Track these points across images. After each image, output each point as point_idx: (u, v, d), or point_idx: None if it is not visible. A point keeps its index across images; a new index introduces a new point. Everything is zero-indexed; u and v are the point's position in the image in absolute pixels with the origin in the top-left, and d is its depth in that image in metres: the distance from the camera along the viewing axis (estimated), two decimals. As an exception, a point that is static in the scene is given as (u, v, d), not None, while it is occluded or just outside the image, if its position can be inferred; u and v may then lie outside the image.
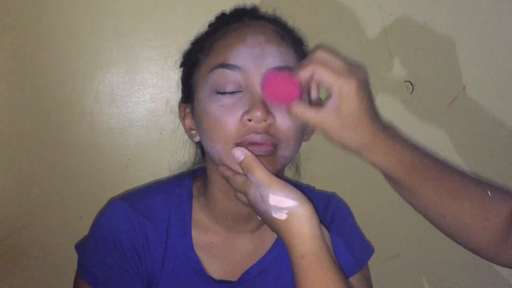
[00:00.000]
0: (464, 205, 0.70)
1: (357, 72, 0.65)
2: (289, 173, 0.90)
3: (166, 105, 0.98)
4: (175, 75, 0.96)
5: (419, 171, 0.70)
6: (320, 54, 0.66)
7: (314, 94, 0.69)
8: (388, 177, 0.73)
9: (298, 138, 0.73)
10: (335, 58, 0.66)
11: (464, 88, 1.03)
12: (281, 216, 0.63)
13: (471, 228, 0.70)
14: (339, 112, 0.64)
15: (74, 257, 0.83)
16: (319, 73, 0.64)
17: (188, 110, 0.81)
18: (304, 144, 0.83)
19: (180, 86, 0.89)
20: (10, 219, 0.98)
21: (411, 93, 1.03)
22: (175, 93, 0.96)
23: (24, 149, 0.97)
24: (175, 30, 0.95)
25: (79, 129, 0.97)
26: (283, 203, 0.63)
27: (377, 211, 1.04)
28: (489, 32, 1.02)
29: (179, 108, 0.84)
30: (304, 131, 0.77)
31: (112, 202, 0.82)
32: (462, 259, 1.11)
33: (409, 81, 1.03)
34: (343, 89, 0.63)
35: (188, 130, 0.82)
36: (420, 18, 1.00)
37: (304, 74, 0.65)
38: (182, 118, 0.83)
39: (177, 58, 0.93)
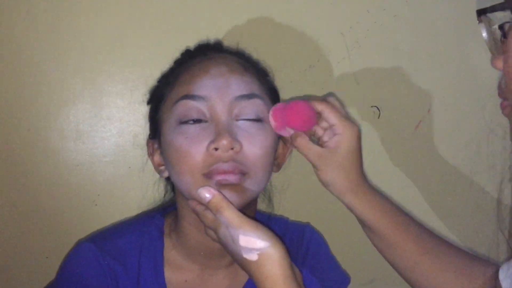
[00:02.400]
0: (448, 265, 0.72)
1: (355, 123, 0.74)
2: (261, 205, 0.89)
3: (134, 139, 0.96)
4: (142, 108, 0.94)
5: (402, 226, 0.74)
6: (331, 99, 0.76)
7: (319, 132, 0.76)
8: (368, 226, 0.76)
9: (266, 166, 0.73)
10: (342, 106, 0.76)
11: (429, 111, 1.06)
12: (252, 257, 0.62)
13: None
14: (338, 150, 0.72)
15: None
16: (329, 112, 0.73)
17: (156, 145, 0.80)
18: (277, 176, 0.83)
19: (148, 120, 0.88)
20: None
21: (378, 117, 1.05)
22: (142, 127, 0.95)
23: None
24: (141, 64, 0.95)
25: (44, 166, 0.94)
26: (254, 244, 0.62)
27: (350, 237, 1.04)
28: (452, 55, 1.05)
29: (147, 144, 0.83)
30: (273, 161, 0.77)
31: (79, 244, 0.79)
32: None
33: (376, 106, 1.04)
34: (346, 130, 0.72)
35: (156, 167, 0.81)
36: (383, 44, 1.03)
37: (315, 107, 0.73)
38: (151, 154, 0.82)
39: (144, 91, 0.92)
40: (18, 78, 0.92)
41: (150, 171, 0.92)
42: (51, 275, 0.84)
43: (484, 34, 0.56)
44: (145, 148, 0.86)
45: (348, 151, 0.72)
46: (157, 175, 0.87)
